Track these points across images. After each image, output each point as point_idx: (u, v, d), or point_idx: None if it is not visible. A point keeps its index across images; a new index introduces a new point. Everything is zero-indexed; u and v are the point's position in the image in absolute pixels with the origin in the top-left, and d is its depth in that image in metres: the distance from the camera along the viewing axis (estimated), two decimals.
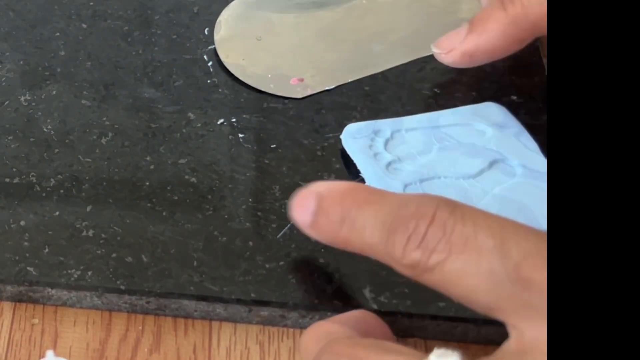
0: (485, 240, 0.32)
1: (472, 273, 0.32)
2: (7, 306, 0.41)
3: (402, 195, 0.35)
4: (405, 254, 0.33)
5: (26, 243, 0.41)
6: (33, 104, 0.46)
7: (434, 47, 0.45)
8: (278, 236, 0.41)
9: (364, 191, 0.36)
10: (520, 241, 0.32)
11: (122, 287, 0.40)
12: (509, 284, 0.31)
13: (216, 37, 0.49)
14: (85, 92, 0.47)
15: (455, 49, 0.44)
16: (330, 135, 0.45)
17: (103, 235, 0.41)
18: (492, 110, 0.45)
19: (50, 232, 0.41)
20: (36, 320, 0.40)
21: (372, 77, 0.48)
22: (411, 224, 0.33)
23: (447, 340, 0.40)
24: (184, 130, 0.45)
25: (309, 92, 0.47)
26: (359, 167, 0.43)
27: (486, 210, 0.33)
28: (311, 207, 0.36)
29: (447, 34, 0.45)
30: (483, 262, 0.32)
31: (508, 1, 0.43)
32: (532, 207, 0.41)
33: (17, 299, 0.41)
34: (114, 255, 0.41)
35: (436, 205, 0.33)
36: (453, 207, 0.33)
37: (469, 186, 0.42)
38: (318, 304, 0.39)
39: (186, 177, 0.44)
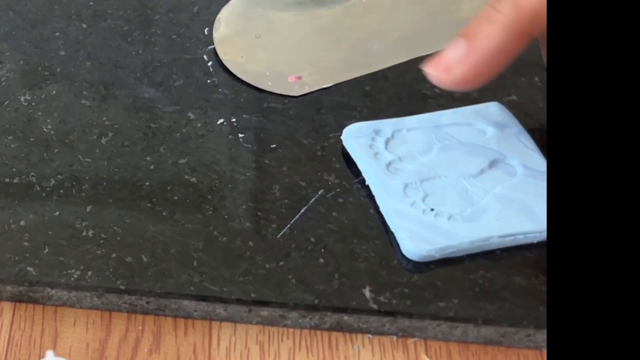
0: None
1: None
2: (7, 306, 0.41)
3: None
4: None
5: (26, 243, 0.41)
6: (33, 104, 0.46)
7: (428, 69, 0.39)
8: (278, 236, 0.41)
9: None
10: None
11: (122, 287, 0.40)
12: None
13: (215, 34, 0.49)
14: (85, 92, 0.47)
15: (453, 65, 0.39)
16: (330, 135, 0.45)
17: (103, 235, 0.41)
18: (493, 110, 0.45)
19: (50, 232, 0.41)
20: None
21: (372, 77, 0.48)
22: None
23: (446, 340, 0.40)
24: (184, 130, 0.45)
25: (307, 89, 0.47)
26: (360, 166, 0.43)
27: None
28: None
29: (439, 52, 0.40)
30: None
31: (496, 1, 0.39)
32: (533, 206, 0.41)
33: (17, 299, 0.41)
34: (114, 255, 0.41)
35: None
36: None
37: (470, 186, 0.42)
38: (318, 304, 0.39)
39: (186, 177, 0.44)
